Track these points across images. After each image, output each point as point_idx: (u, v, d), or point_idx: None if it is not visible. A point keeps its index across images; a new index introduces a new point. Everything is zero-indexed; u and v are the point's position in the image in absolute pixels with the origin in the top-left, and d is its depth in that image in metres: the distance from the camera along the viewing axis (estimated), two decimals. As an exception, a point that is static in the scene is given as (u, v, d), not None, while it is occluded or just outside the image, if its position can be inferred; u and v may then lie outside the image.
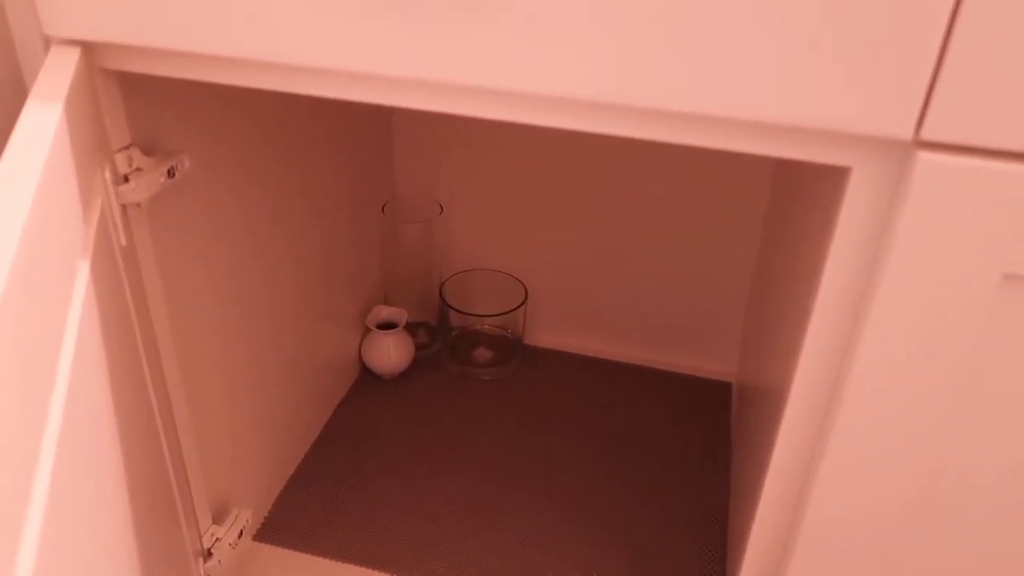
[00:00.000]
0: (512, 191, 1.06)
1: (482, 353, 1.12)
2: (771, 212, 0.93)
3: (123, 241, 0.54)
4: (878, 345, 0.46)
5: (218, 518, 0.77)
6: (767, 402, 0.67)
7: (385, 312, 1.06)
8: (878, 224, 0.44)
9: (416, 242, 1.06)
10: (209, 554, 0.74)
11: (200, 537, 0.73)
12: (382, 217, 1.06)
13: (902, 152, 0.42)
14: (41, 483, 0.33)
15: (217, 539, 0.75)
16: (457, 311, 1.09)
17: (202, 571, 0.72)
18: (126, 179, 0.55)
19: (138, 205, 0.57)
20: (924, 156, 0.40)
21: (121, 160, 0.55)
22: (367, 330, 1.06)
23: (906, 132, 0.40)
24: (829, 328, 0.48)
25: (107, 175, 0.51)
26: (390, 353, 1.05)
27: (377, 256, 1.09)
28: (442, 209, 1.08)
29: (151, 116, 0.59)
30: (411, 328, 1.09)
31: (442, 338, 1.13)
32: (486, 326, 1.13)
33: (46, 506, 0.33)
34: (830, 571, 0.56)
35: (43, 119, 0.42)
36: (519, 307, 1.08)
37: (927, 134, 0.40)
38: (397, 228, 1.05)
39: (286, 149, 0.81)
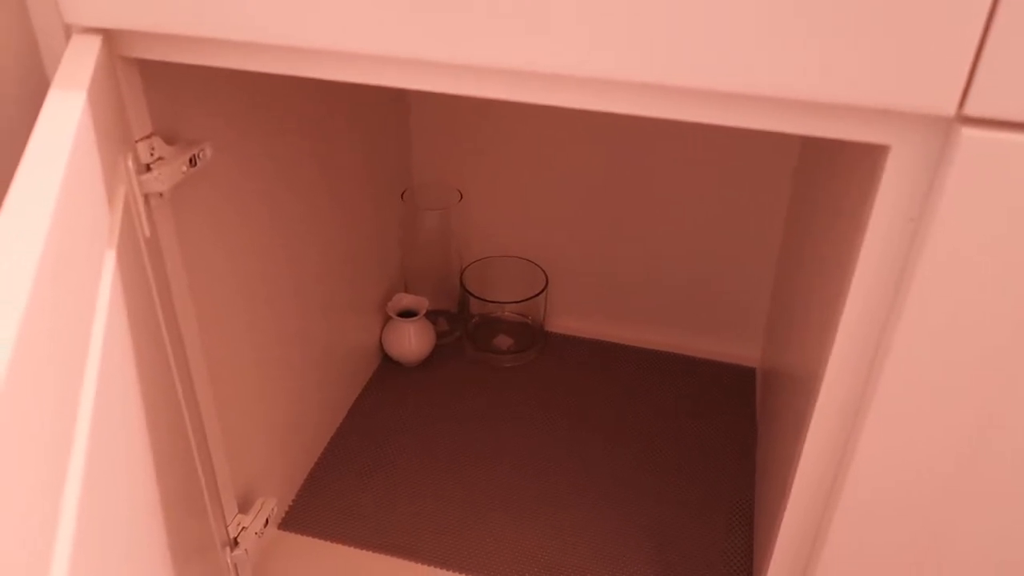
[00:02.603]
0: (531, 177, 1.05)
1: (503, 340, 1.11)
2: (797, 193, 0.92)
3: (146, 231, 0.53)
4: (916, 331, 0.45)
5: (244, 507, 0.77)
6: (796, 385, 0.66)
7: (406, 300, 1.06)
8: (918, 203, 0.43)
9: (435, 229, 1.05)
10: (235, 543, 0.74)
11: (226, 526, 0.73)
12: (401, 205, 1.05)
13: (944, 128, 0.40)
14: (75, 473, 0.33)
15: (243, 528, 0.75)
16: (477, 298, 1.09)
17: (229, 560, 0.73)
18: (148, 168, 0.55)
19: (160, 195, 0.57)
20: (968, 132, 0.39)
21: (143, 149, 0.55)
22: (388, 318, 1.06)
23: (949, 108, 0.38)
24: (864, 311, 0.47)
25: (130, 164, 0.51)
26: (411, 341, 1.05)
27: (397, 244, 1.08)
28: (461, 196, 1.07)
29: (172, 105, 0.58)
30: (432, 316, 1.09)
31: (463, 325, 1.12)
32: (506, 313, 1.12)
33: (80, 496, 0.33)
34: (868, 550, 0.55)
35: (66, 108, 0.42)
36: (540, 293, 1.07)
37: (971, 109, 0.38)
38: (416, 215, 1.05)
39: (306, 138, 0.80)
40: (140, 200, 0.53)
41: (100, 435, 0.36)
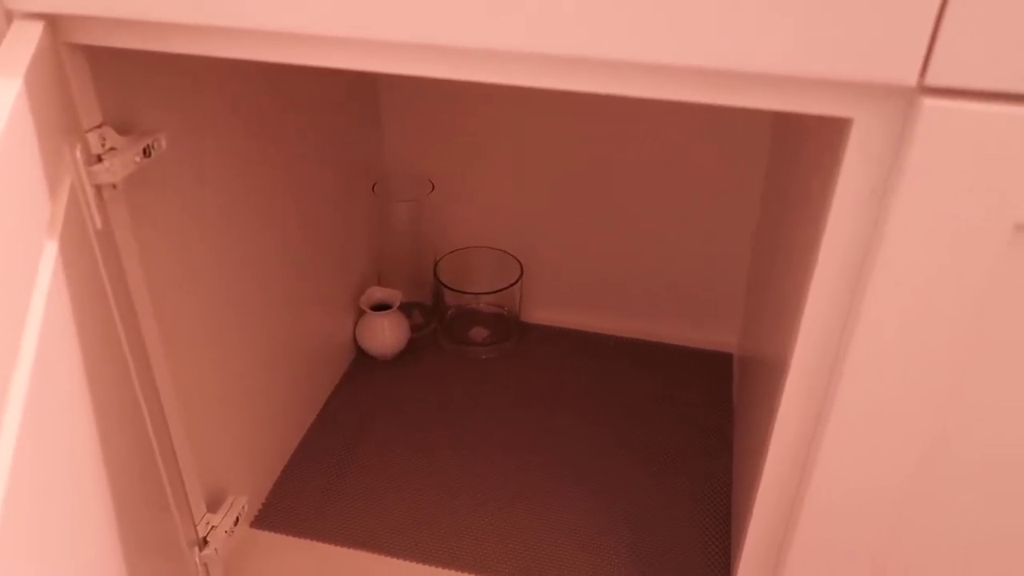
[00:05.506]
0: (504, 166, 1.04)
1: (479, 332, 1.10)
2: (770, 175, 0.91)
3: (98, 223, 0.52)
4: (883, 304, 0.44)
5: (213, 506, 0.75)
6: (769, 370, 0.65)
7: (379, 293, 1.04)
8: (882, 177, 0.42)
9: (408, 221, 1.04)
10: (205, 542, 0.73)
11: (195, 526, 0.71)
12: (373, 197, 1.04)
13: (906, 99, 0.40)
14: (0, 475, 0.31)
15: (212, 527, 0.73)
16: (452, 290, 1.07)
17: (197, 560, 0.71)
18: (99, 159, 0.53)
19: (114, 186, 0.55)
20: (929, 102, 0.38)
21: (93, 139, 0.53)
22: (361, 312, 1.05)
23: (910, 78, 0.38)
24: (832, 288, 0.47)
25: (77, 154, 0.49)
26: (385, 334, 1.04)
27: (369, 237, 1.07)
28: (433, 187, 1.06)
29: (125, 94, 0.57)
30: (406, 309, 1.07)
31: (438, 318, 1.11)
32: (482, 304, 1.11)
33: (4, 504, 0.32)
34: (837, 538, 0.55)
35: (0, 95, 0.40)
36: (514, 284, 1.06)
37: (932, 79, 0.38)
38: (388, 207, 1.03)
39: (271, 128, 0.78)
40: (90, 191, 0.51)
41: (33, 433, 0.34)
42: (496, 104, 1.00)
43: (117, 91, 0.56)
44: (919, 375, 0.46)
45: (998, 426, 0.48)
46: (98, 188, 0.53)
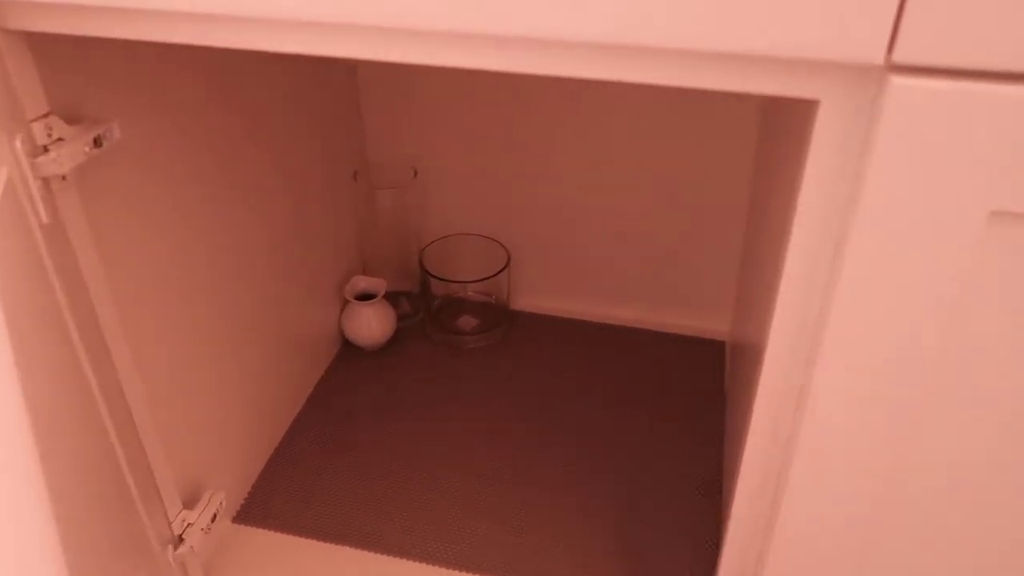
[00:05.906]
0: (488, 151, 1.02)
1: (466, 321, 1.08)
2: (757, 161, 0.89)
3: (43, 216, 0.50)
4: (855, 291, 0.42)
5: (189, 503, 0.74)
6: (754, 356, 0.63)
7: (363, 283, 1.03)
8: (851, 161, 0.39)
9: (391, 209, 1.02)
10: (180, 540, 0.71)
11: (169, 524, 0.70)
12: (354, 185, 1.02)
13: (873, 78, 0.37)
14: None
15: (189, 524, 0.72)
16: (438, 279, 1.05)
17: (171, 558, 0.70)
18: (46, 150, 0.51)
19: (63, 178, 0.53)
20: (897, 81, 0.36)
21: (39, 130, 0.51)
22: (346, 302, 1.03)
23: (877, 55, 0.35)
24: (803, 276, 0.44)
25: (17, 145, 0.47)
26: (370, 324, 1.02)
27: (352, 225, 1.05)
28: (416, 173, 1.03)
29: (74, 82, 0.55)
30: (392, 298, 1.05)
31: (424, 307, 1.09)
32: (469, 293, 1.09)
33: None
34: (821, 516, 0.52)
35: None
36: (502, 271, 1.04)
37: (900, 56, 0.35)
38: (371, 195, 1.01)
39: (244, 116, 0.76)
40: (32, 183, 0.49)
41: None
42: (478, 88, 0.97)
43: (66, 78, 0.54)
44: (896, 365, 0.44)
45: (974, 400, 0.46)
46: (46, 180, 0.51)
